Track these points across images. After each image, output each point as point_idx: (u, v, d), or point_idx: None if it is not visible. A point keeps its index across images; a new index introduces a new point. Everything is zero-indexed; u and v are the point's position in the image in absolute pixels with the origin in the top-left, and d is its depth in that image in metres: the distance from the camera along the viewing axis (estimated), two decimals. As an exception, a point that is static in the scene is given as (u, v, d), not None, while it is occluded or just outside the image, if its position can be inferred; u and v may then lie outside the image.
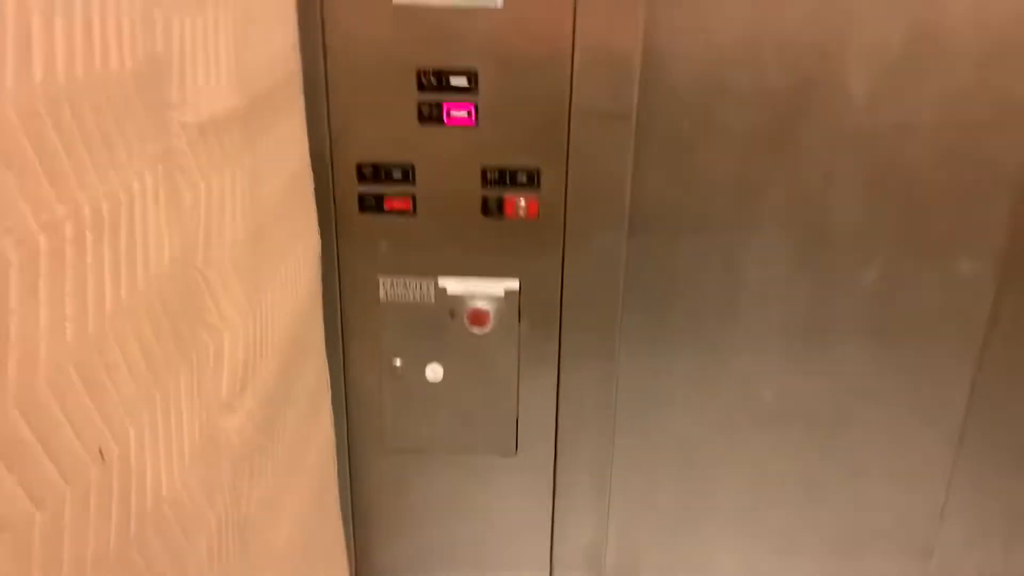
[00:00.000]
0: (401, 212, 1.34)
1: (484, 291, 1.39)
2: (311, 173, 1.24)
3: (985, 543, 1.68)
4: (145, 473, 0.64)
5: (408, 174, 1.31)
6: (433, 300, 1.40)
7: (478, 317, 1.40)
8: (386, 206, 1.33)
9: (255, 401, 0.89)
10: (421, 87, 1.25)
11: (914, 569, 1.66)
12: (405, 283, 1.39)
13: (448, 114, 1.27)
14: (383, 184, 1.32)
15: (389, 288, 1.39)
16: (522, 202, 1.33)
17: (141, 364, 0.63)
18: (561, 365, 1.44)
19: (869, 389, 1.52)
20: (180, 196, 0.72)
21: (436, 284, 1.39)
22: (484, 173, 1.31)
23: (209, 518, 0.76)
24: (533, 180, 1.32)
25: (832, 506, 1.62)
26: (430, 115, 1.27)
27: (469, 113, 1.27)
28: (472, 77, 1.25)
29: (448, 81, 1.25)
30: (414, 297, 1.40)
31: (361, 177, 1.32)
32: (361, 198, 1.33)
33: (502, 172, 1.31)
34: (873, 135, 1.35)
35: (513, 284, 1.39)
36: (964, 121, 1.33)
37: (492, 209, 1.34)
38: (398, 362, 1.44)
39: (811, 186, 1.39)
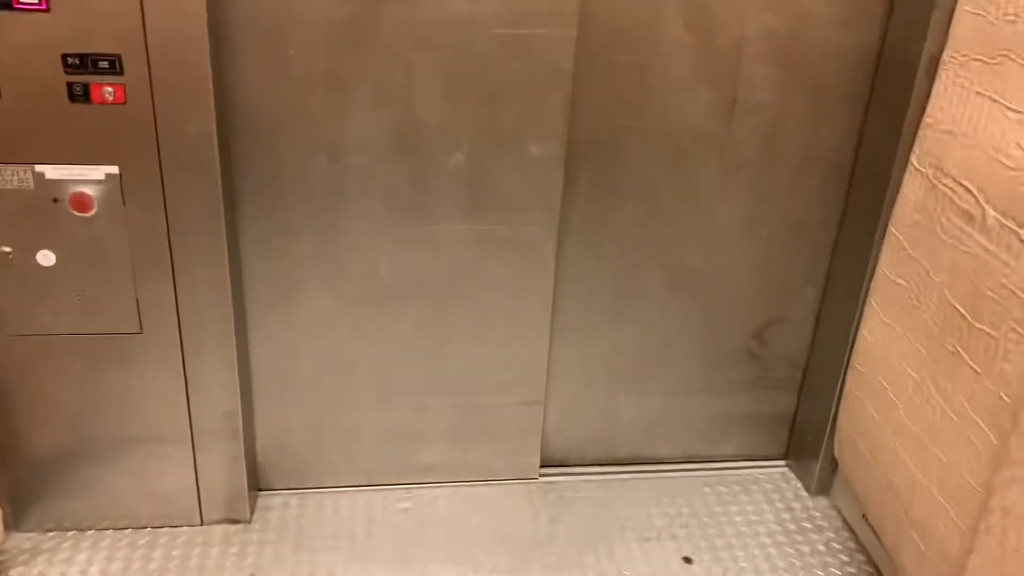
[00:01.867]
0: (-16, 98, 1.37)
1: (84, 176, 1.46)
2: None
3: (590, 393, 1.96)
4: None
5: (-19, 59, 1.34)
6: (33, 186, 1.45)
7: (81, 202, 1.47)
8: (-33, 92, 1.37)
9: None
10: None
11: (534, 416, 1.91)
12: (1, 171, 1.43)
13: (12, -5, 1.31)
14: (-44, 69, 1.35)
15: (-14, 175, 1.43)
16: (108, 88, 1.40)
17: None
18: (172, 245, 1.53)
19: (472, 264, 1.72)
20: None
21: (34, 171, 1.44)
22: (64, 59, 1.37)
23: None
24: (115, 66, 1.39)
25: (455, 368, 1.83)
26: (-8, -4, 1.30)
27: (34, -4, 1.31)
28: (31, -38, 1.30)
29: (6, -35, 1.29)
30: (13, 184, 1.44)
31: (-68, 62, 1.34)
32: (-60, 84, 1.36)
33: (82, 58, 1.37)
34: (444, 30, 1.51)
35: (112, 169, 1.46)
36: (516, 14, 1.51)
37: (79, 95, 1.40)
38: (7, 249, 1.49)
39: (395, 79, 1.55)
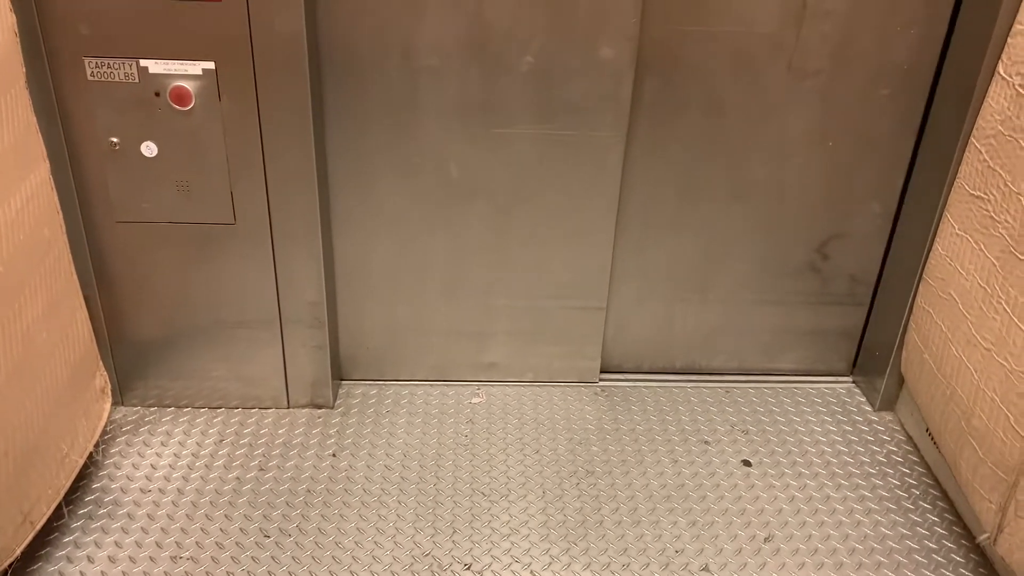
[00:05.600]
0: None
1: (183, 71, 1.55)
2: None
3: (648, 301, 2.00)
4: None
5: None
6: (138, 80, 1.55)
7: (180, 95, 1.56)
8: (79, -13, 1.46)
9: None
10: None
11: (595, 321, 1.97)
12: (109, 63, 1.53)
13: None
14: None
15: (95, 68, 1.54)
16: (207, -16, 1.48)
17: None
18: (264, 140, 1.62)
19: (537, 166, 1.77)
20: None
21: (139, 64, 1.54)
22: (166, -44, 1.45)
23: None
24: (213, -37, 1.46)
25: (519, 271, 1.90)
26: None
27: None
28: None
29: None
30: (120, 76, 1.55)
31: (49, -43, 1.43)
32: (54, -21, 1.45)
33: (183, -45, 1.45)
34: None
35: (209, 64, 1.55)
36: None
37: (181, -9, 1.48)
38: (115, 140, 1.61)
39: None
